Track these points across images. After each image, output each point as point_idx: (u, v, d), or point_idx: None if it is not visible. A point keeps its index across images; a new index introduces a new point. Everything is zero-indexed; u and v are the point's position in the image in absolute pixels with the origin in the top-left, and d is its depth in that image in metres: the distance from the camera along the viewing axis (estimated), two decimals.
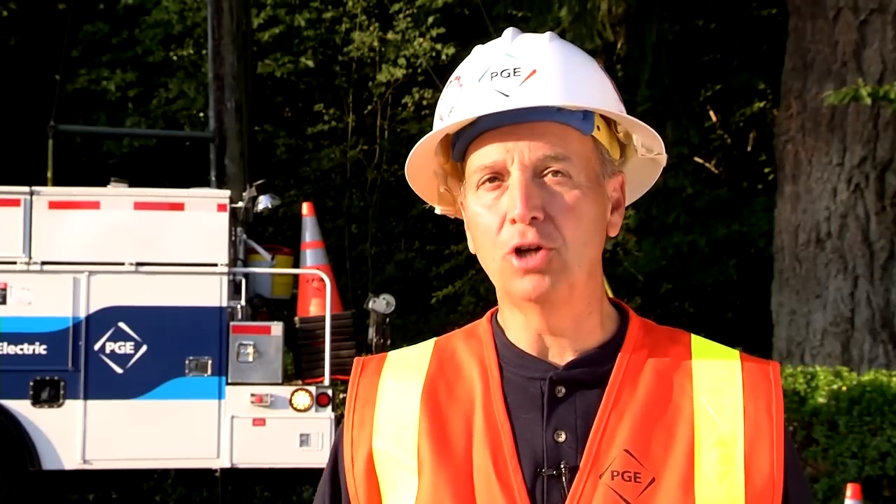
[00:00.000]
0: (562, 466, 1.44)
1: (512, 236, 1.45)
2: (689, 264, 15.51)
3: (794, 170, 12.22)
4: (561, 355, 1.51)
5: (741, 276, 15.57)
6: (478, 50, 1.55)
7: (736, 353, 1.55)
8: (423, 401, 1.52)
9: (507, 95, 1.46)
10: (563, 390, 1.48)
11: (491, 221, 1.47)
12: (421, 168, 1.59)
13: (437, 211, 1.66)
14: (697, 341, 1.56)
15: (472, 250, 1.56)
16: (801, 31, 12.37)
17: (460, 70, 1.54)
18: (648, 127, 1.54)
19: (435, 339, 1.61)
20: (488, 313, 1.60)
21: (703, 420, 1.47)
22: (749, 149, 18.17)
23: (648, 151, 1.58)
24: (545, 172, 1.46)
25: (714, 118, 17.96)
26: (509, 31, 1.54)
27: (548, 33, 1.54)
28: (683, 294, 16.70)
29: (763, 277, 13.83)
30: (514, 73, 1.47)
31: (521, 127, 1.46)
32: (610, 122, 1.54)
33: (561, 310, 1.49)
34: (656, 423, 1.46)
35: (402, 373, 1.56)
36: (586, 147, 1.49)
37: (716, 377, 1.50)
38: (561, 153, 1.46)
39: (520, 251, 1.44)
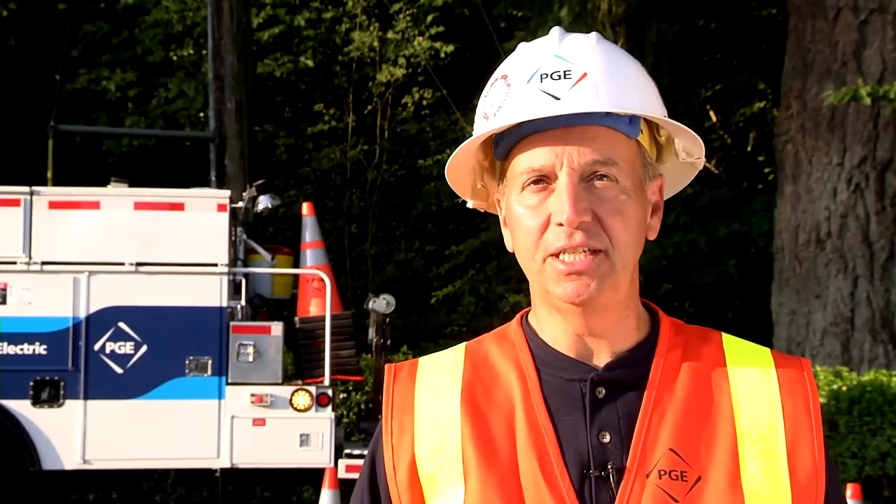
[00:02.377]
0: (609, 467, 1.45)
1: (558, 238, 1.45)
2: (690, 264, 15.51)
3: (794, 170, 12.22)
4: (597, 357, 1.51)
5: (741, 275, 15.57)
6: (524, 49, 1.54)
7: (767, 350, 1.56)
8: (463, 406, 1.52)
9: (557, 98, 1.46)
10: (604, 391, 1.49)
11: (534, 223, 1.47)
12: (459, 163, 1.59)
13: (469, 205, 1.66)
14: (728, 339, 1.57)
15: (509, 249, 1.56)
16: (801, 31, 12.37)
17: (506, 69, 1.53)
18: (692, 132, 1.55)
19: (465, 343, 1.61)
20: (518, 316, 1.61)
21: (744, 417, 1.49)
22: (749, 149, 18.18)
23: (689, 156, 1.60)
24: (592, 177, 1.46)
25: (714, 118, 17.96)
26: (556, 31, 1.53)
27: (594, 34, 1.55)
28: (683, 294, 16.70)
29: (763, 277, 13.84)
30: (565, 75, 1.47)
31: (571, 131, 1.46)
32: (651, 125, 1.55)
33: (602, 313, 1.49)
34: (698, 422, 1.48)
35: (437, 378, 1.56)
36: (631, 151, 1.50)
37: (751, 375, 1.52)
38: (609, 158, 1.46)
39: (564, 254, 1.45)
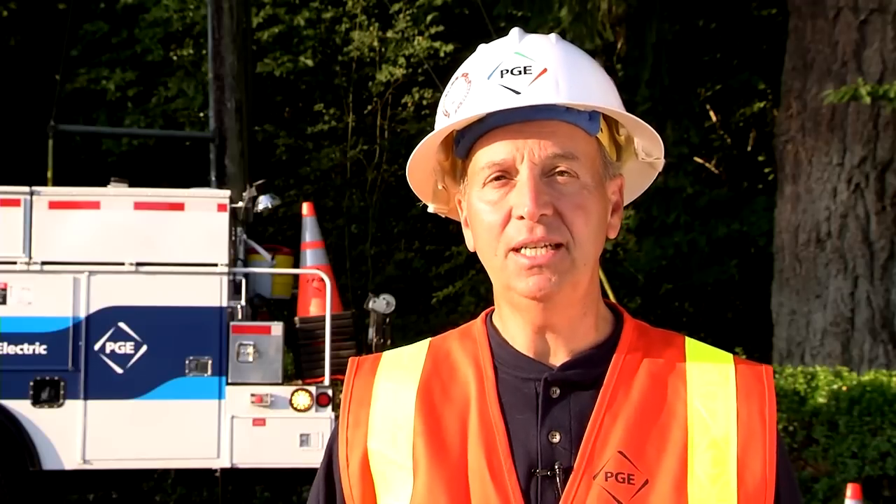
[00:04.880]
0: (556, 467, 1.45)
1: (519, 232, 1.45)
2: (690, 264, 15.51)
3: (794, 170, 12.22)
4: (556, 355, 1.51)
5: (741, 275, 15.57)
6: (484, 48, 1.55)
7: (729, 356, 1.56)
8: (418, 401, 1.52)
9: (518, 92, 1.46)
10: (558, 391, 1.49)
11: (495, 218, 1.47)
12: (420, 164, 1.59)
13: (430, 209, 1.66)
14: (691, 344, 1.56)
15: (470, 248, 1.56)
16: (801, 31, 12.37)
17: (467, 67, 1.54)
18: (652, 130, 1.54)
19: (430, 339, 1.62)
20: (483, 314, 1.61)
21: (697, 423, 1.48)
22: (749, 149, 18.17)
23: (648, 156, 1.59)
24: (553, 171, 1.46)
25: (714, 118, 17.96)
26: (516, 31, 1.54)
27: (553, 35, 1.55)
28: (683, 294, 16.70)
29: (763, 277, 13.84)
30: (525, 71, 1.48)
31: (531, 125, 1.46)
32: (611, 125, 1.55)
33: (561, 309, 1.49)
34: (650, 426, 1.47)
35: (397, 373, 1.56)
36: (591, 147, 1.50)
37: (709, 380, 1.51)
38: (570, 152, 1.46)
39: (526, 248, 1.44)
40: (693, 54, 16.24)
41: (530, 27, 13.64)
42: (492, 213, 1.47)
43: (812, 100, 12.02)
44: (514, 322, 1.52)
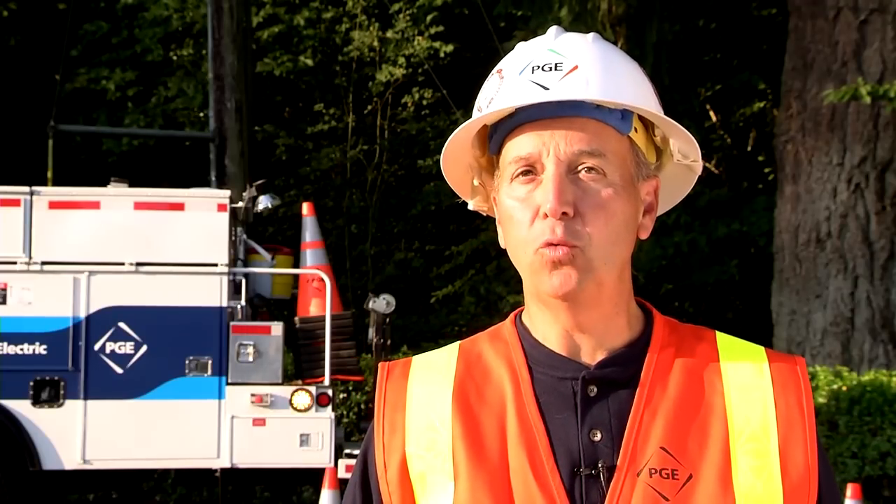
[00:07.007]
0: (599, 465, 1.45)
1: (543, 231, 1.45)
2: (690, 264, 15.51)
3: (794, 170, 12.22)
4: (589, 355, 1.51)
5: (741, 275, 15.57)
6: (521, 45, 1.56)
7: (761, 349, 1.56)
8: (454, 404, 1.52)
9: (546, 88, 1.46)
10: (596, 389, 1.49)
11: (524, 216, 1.47)
12: (456, 161, 1.59)
13: (471, 206, 1.65)
14: (722, 338, 1.57)
15: (502, 245, 1.55)
16: (801, 31, 12.37)
17: (502, 64, 1.54)
18: (685, 131, 1.54)
19: (459, 342, 1.61)
20: (511, 315, 1.60)
21: (736, 416, 1.48)
22: (749, 149, 18.18)
23: (684, 157, 1.59)
24: (579, 168, 1.46)
25: (714, 118, 17.97)
26: (553, 29, 1.54)
27: (592, 33, 1.55)
28: (684, 294, 16.70)
29: (763, 277, 13.84)
30: (556, 67, 1.48)
31: (559, 121, 1.46)
32: (648, 126, 1.54)
33: (589, 308, 1.49)
34: (690, 421, 1.47)
35: (430, 377, 1.56)
36: (623, 146, 1.49)
37: (744, 374, 1.52)
38: (597, 149, 1.46)
39: (549, 246, 1.45)
40: (693, 54, 16.24)
41: (530, 27, 13.62)
42: (521, 211, 1.47)
43: (812, 100, 12.02)
44: (544, 321, 1.52)
